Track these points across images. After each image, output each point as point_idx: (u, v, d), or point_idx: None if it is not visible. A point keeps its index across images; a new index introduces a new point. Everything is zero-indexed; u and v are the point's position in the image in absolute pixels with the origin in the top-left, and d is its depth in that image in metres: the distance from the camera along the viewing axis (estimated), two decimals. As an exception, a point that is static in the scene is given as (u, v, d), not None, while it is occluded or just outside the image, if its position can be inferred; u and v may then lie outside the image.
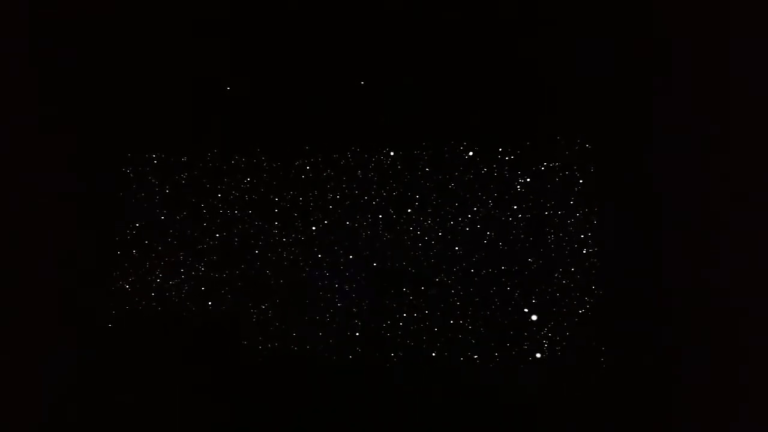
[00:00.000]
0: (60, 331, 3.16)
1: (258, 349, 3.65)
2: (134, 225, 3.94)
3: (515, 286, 3.47)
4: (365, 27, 3.27)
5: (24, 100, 3.15)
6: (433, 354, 3.53)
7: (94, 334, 3.30)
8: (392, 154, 3.76)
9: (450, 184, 3.67)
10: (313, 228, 3.81)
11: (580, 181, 3.51)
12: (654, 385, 2.79)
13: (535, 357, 3.37)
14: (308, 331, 3.70)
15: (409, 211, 3.71)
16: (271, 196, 3.87)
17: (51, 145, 3.30)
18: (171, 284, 3.89)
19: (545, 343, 3.37)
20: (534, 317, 3.41)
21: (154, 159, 3.95)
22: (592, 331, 3.32)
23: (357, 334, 3.63)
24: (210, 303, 3.81)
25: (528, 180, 3.56)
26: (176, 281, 3.89)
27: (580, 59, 3.21)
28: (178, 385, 2.71)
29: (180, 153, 3.89)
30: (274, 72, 3.51)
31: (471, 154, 3.65)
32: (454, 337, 3.53)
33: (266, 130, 3.74)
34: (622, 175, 3.25)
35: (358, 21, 3.24)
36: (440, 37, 3.27)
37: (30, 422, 2.04)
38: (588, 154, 3.52)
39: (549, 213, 3.52)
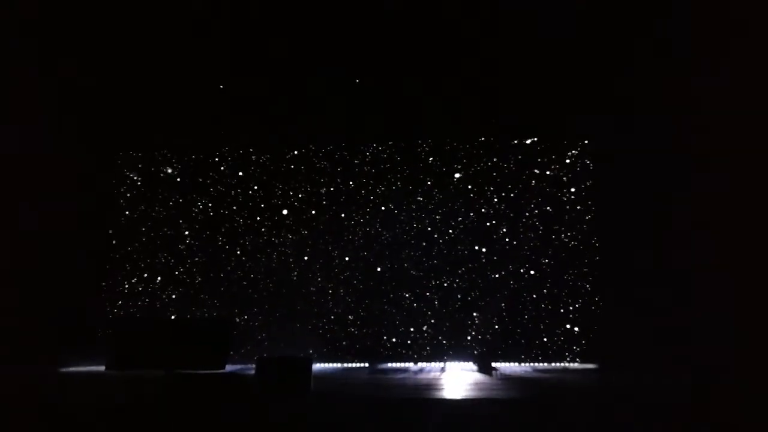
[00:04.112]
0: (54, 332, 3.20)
1: (246, 356, 3.40)
2: (122, 225, 3.66)
3: (521, 288, 3.41)
4: (363, 23, 3.04)
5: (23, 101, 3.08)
6: (433, 356, 3.41)
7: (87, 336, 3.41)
8: (391, 144, 3.56)
9: (452, 179, 3.48)
10: (305, 227, 3.55)
11: (581, 181, 3.50)
12: (654, 385, 2.84)
13: (537, 357, 3.37)
14: (301, 337, 3.46)
15: (412, 207, 3.54)
16: (261, 192, 3.59)
17: (47, 146, 3.25)
18: (154, 288, 3.56)
19: (548, 343, 3.38)
20: (535, 319, 3.39)
21: (137, 156, 3.69)
22: (593, 331, 3.36)
23: (352, 340, 3.44)
24: (194, 308, 3.50)
25: (530, 178, 3.50)
26: (159, 285, 3.58)
27: (581, 59, 3.18)
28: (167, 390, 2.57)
29: (170, 149, 3.66)
30: (267, 66, 3.22)
31: (467, 147, 3.54)
32: (454, 338, 3.45)
33: (257, 122, 3.45)
34: (622, 175, 3.27)
35: (357, 15, 3.00)
36: (440, 37, 3.11)
37: (28, 421, 1.91)
38: (588, 154, 3.53)
39: (551, 213, 3.48)
